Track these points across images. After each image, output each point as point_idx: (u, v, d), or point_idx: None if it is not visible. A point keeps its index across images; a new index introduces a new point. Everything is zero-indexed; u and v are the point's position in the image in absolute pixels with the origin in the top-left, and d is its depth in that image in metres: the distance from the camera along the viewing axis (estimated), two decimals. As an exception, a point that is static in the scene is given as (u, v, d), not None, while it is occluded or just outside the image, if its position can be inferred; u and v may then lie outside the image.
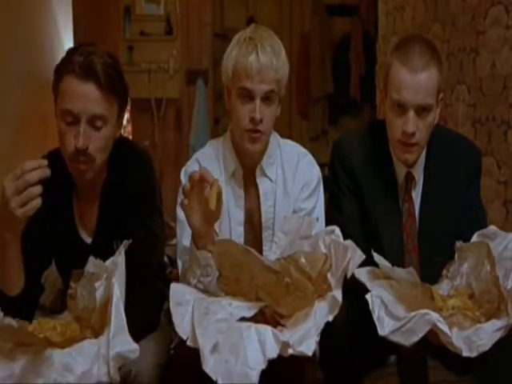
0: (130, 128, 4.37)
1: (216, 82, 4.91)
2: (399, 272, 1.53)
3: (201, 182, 1.55)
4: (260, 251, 1.77)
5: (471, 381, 1.69)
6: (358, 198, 1.82)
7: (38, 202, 1.38)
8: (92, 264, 1.49)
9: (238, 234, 1.82)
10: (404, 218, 1.82)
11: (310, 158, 1.89)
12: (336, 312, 1.42)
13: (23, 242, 1.51)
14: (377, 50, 4.27)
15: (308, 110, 6.05)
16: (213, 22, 5.13)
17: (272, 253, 1.73)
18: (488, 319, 1.46)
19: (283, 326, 1.45)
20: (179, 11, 4.86)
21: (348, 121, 5.96)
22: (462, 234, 1.68)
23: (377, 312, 1.46)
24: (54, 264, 1.74)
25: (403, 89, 1.69)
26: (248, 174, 1.84)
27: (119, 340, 1.31)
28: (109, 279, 1.43)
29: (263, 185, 1.84)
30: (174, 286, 1.54)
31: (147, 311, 1.60)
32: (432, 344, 1.47)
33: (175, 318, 1.44)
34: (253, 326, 1.40)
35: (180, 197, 1.64)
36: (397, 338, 1.43)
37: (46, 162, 1.40)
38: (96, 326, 1.40)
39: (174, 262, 1.94)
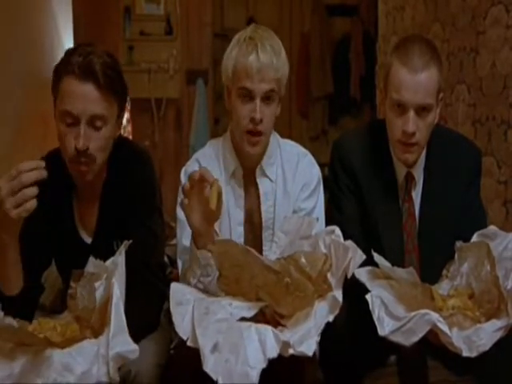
0: (130, 128, 4.37)
1: (216, 82, 4.91)
2: (399, 272, 1.52)
3: (201, 181, 1.54)
4: (260, 251, 1.77)
5: (471, 381, 1.69)
6: (358, 198, 1.82)
7: (32, 203, 1.36)
8: (92, 264, 1.49)
9: (237, 233, 1.82)
10: (404, 218, 1.82)
11: (310, 157, 1.89)
12: (336, 312, 1.41)
13: (23, 242, 1.50)
14: (377, 50, 4.27)
15: (308, 109, 6.05)
16: (213, 22, 5.14)
17: (272, 253, 1.72)
18: (488, 319, 1.45)
19: (283, 326, 1.45)
20: (179, 11, 4.86)
21: (348, 121, 5.96)
22: (462, 234, 1.68)
23: (377, 312, 1.46)
24: (54, 264, 1.74)
25: (403, 89, 1.69)
26: (248, 173, 1.84)
27: (119, 340, 1.31)
28: (109, 279, 1.42)
29: (263, 185, 1.84)
30: (174, 286, 1.54)
31: (147, 311, 1.60)
32: (432, 344, 1.47)
33: (175, 318, 1.44)
34: (253, 325, 1.40)
35: (180, 196, 1.64)
36: (397, 338, 1.43)
37: (43, 163, 1.38)
38: (96, 326, 1.40)
39: (174, 262, 1.93)
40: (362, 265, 1.52)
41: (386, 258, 1.57)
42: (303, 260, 1.47)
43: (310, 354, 1.37)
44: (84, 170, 1.59)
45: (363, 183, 1.82)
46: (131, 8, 4.83)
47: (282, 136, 1.92)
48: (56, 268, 1.75)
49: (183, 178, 1.78)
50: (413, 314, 1.42)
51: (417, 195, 1.83)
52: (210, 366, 1.33)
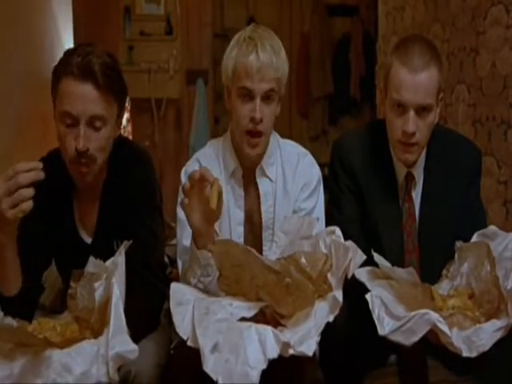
0: (130, 128, 4.37)
1: (216, 82, 4.91)
2: (399, 272, 1.52)
3: (201, 181, 1.54)
4: (260, 251, 1.77)
5: (471, 381, 1.69)
6: (358, 198, 1.82)
7: (29, 204, 1.36)
8: (92, 264, 1.49)
9: (237, 233, 1.82)
10: (404, 217, 1.82)
11: (310, 157, 1.89)
12: (337, 312, 1.41)
13: (21, 242, 1.50)
14: (377, 50, 4.27)
15: (308, 109, 6.05)
16: (213, 22, 5.14)
17: (272, 253, 1.72)
18: (488, 319, 1.45)
19: (283, 326, 1.45)
20: (179, 11, 4.86)
21: (348, 121, 5.96)
22: (462, 234, 1.68)
23: (377, 312, 1.45)
24: (54, 264, 1.74)
25: (403, 89, 1.69)
26: (248, 173, 1.84)
27: (118, 340, 1.31)
28: (109, 279, 1.42)
29: (263, 185, 1.84)
30: (174, 286, 1.54)
31: (147, 311, 1.60)
32: (432, 344, 1.47)
33: (175, 318, 1.44)
34: (253, 325, 1.40)
35: (180, 196, 1.64)
36: (397, 338, 1.42)
37: (40, 164, 1.38)
38: (95, 326, 1.40)
39: (174, 262, 1.93)
40: (362, 265, 1.52)
41: (385, 257, 1.57)
42: (303, 260, 1.47)
43: (310, 354, 1.37)
44: (84, 172, 1.59)
45: (363, 183, 1.82)
46: (131, 8, 4.83)
47: (282, 136, 1.92)
48: (56, 268, 1.75)
49: (183, 178, 1.78)
50: (413, 313, 1.42)
51: (417, 195, 1.83)
52: (210, 366, 1.33)
